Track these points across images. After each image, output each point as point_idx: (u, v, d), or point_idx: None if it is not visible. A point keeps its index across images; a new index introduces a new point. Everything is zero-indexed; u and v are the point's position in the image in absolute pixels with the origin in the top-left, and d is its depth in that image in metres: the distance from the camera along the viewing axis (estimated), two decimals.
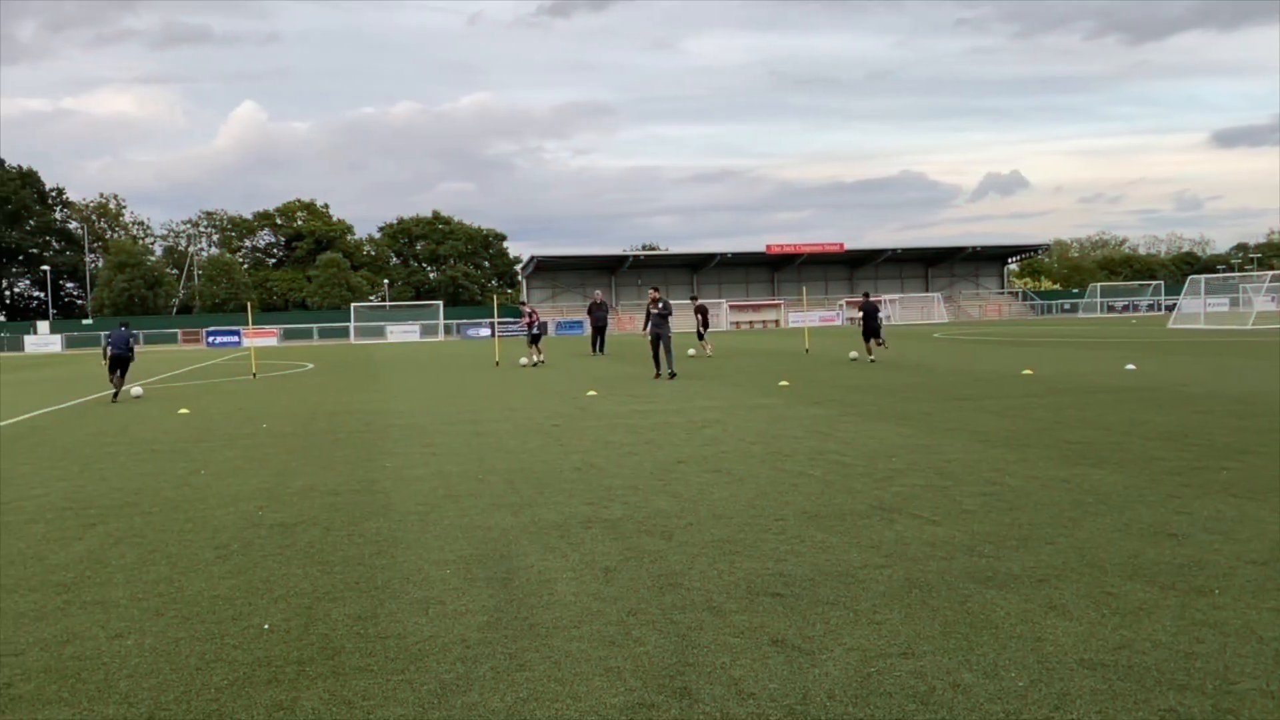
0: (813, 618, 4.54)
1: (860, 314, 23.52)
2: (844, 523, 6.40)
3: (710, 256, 77.75)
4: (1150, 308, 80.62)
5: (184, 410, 15.56)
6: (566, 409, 13.98)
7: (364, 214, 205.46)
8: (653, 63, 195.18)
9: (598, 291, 31.74)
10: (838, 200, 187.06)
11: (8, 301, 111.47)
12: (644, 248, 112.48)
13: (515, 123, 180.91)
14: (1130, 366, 18.39)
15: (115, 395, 17.80)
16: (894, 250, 79.75)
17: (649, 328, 20.00)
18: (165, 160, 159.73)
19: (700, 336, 28.97)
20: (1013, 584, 4.98)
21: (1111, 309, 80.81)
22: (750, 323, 74.53)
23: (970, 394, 14.43)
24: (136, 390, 18.69)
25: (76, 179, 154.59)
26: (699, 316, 29.05)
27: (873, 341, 22.75)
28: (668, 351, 19.35)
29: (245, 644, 4.39)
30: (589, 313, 31.87)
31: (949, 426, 10.92)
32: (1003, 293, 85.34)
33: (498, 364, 26.63)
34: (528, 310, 27.36)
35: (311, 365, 30.77)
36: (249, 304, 28.02)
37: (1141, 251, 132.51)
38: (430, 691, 3.81)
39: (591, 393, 16.21)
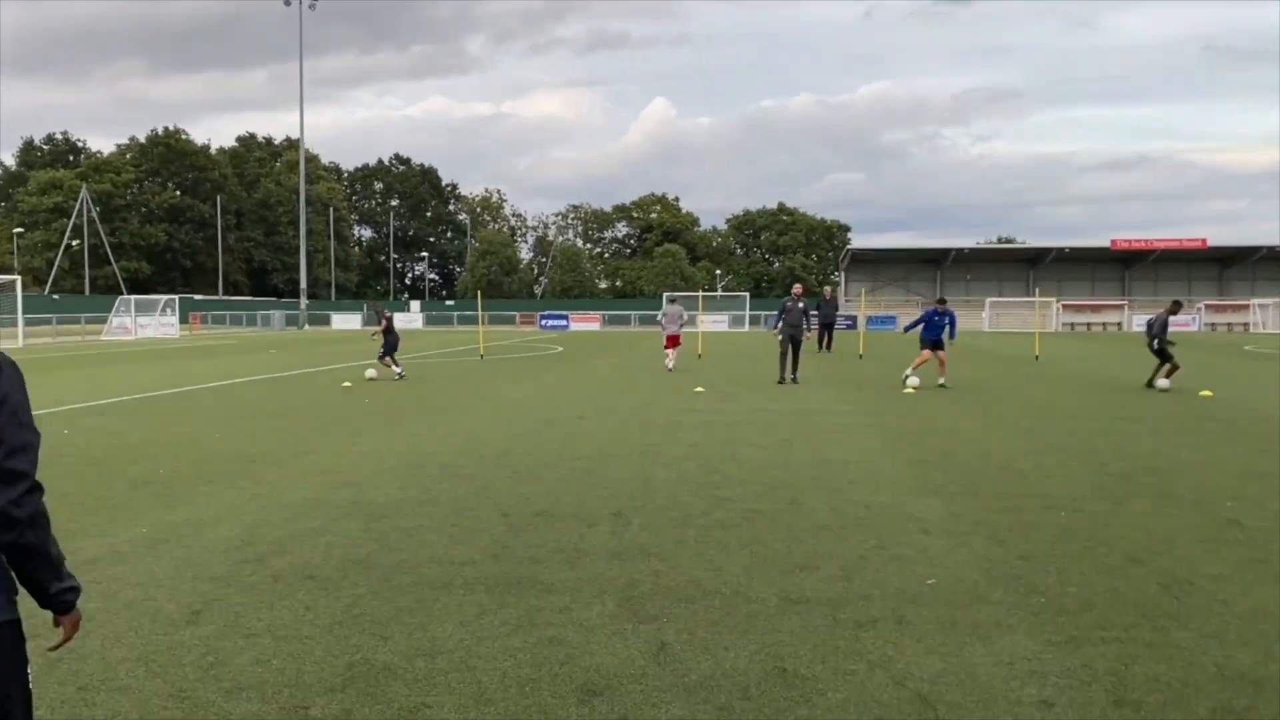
0: None
1: None
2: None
3: (1047, 251, 72.42)
4: None
5: (347, 384, 17.91)
6: (661, 409, 14.38)
7: (753, 205, 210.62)
8: (1068, 43, 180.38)
9: (826, 289, 31.87)
10: None
11: (408, 281, 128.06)
12: (1000, 240, 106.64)
13: (912, 111, 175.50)
14: None
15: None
16: (1272, 247, 69.71)
17: (779, 326, 18.71)
18: (583, 156, 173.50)
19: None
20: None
21: None
22: (1088, 324, 68.60)
23: (1127, 413, 13.08)
24: (370, 373, 19.40)
25: (507, 173, 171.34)
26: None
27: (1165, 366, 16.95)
28: (794, 356, 18.45)
29: None
30: (816, 308, 31.60)
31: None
32: None
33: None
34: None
35: (561, 349, 32.96)
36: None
37: None
38: None
39: (699, 389, 16.49)
